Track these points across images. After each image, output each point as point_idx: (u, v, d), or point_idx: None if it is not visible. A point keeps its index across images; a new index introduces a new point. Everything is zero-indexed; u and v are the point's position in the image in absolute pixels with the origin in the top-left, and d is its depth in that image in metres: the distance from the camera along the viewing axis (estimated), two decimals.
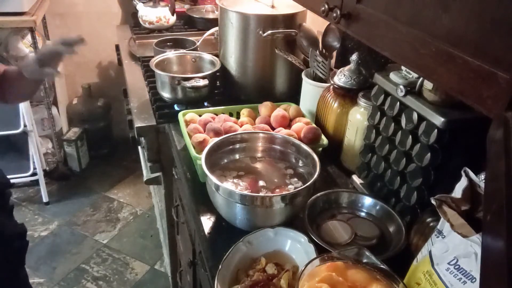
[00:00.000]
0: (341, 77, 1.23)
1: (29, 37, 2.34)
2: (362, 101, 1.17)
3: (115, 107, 3.05)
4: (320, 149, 1.22)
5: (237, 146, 1.14)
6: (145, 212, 2.70)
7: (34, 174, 2.63)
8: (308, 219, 0.98)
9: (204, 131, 1.24)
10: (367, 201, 1.06)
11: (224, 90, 1.66)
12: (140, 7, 2.30)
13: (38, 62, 1.17)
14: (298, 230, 0.94)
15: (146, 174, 1.78)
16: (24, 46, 2.44)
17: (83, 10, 2.79)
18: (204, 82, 1.47)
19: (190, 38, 1.96)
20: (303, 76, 1.41)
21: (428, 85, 0.90)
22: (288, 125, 1.30)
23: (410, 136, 0.94)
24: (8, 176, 1.36)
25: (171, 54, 1.66)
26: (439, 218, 0.72)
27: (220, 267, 0.87)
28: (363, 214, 1.06)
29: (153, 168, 1.62)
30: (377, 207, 1.05)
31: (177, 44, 1.94)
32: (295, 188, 1.03)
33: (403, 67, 0.99)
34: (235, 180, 1.05)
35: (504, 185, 0.45)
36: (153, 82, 1.63)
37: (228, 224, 1.03)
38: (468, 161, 0.80)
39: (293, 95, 1.51)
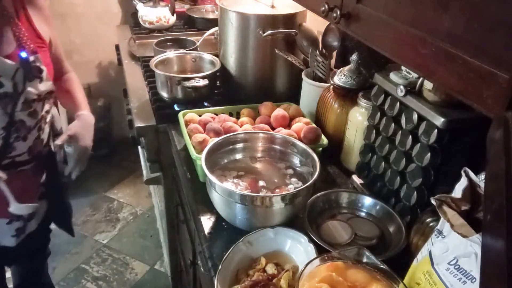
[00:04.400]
0: (341, 77, 1.23)
1: None
2: (362, 101, 1.17)
3: (115, 107, 3.05)
4: (320, 149, 1.22)
5: (237, 146, 1.14)
6: (145, 212, 2.70)
7: None
8: (308, 219, 0.98)
9: (204, 131, 1.24)
10: (367, 201, 1.07)
11: (224, 90, 1.66)
12: (140, 7, 2.30)
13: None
14: (298, 230, 0.94)
15: (146, 174, 1.78)
16: None
17: (83, 10, 2.79)
18: (204, 82, 1.47)
19: (190, 38, 1.96)
20: (303, 76, 1.41)
21: (428, 85, 0.90)
22: (288, 125, 1.30)
23: (410, 136, 0.95)
24: None
25: (171, 54, 1.66)
26: (439, 218, 0.72)
27: (220, 267, 0.87)
28: (363, 214, 1.06)
29: (153, 168, 1.62)
30: (377, 207, 1.05)
31: (177, 44, 1.94)
32: (295, 188, 1.03)
33: (403, 67, 0.99)
34: (235, 180, 1.05)
35: (504, 185, 0.45)
36: (153, 82, 1.63)
37: (228, 224, 1.03)
38: (468, 161, 0.81)
39: (293, 95, 1.51)
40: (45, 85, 1.16)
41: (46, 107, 1.22)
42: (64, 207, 1.47)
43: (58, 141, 1.23)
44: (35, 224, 1.33)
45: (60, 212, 1.45)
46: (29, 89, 1.11)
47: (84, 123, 1.29)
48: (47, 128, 1.27)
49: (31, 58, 1.11)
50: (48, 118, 1.26)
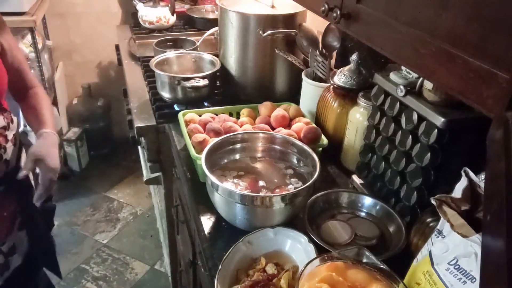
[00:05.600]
0: (341, 77, 1.23)
1: (29, 37, 2.33)
2: (362, 101, 1.17)
3: (115, 107, 3.05)
4: (320, 149, 1.22)
5: (237, 146, 1.14)
6: (145, 212, 2.70)
7: None
8: (308, 219, 0.98)
9: (204, 131, 1.24)
10: (367, 201, 1.06)
11: (224, 90, 1.66)
12: (140, 7, 2.30)
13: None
14: (298, 230, 0.94)
15: (146, 174, 1.78)
16: (24, 46, 2.44)
17: (83, 10, 2.79)
18: (204, 82, 1.47)
19: (190, 38, 1.96)
20: (303, 76, 1.41)
21: (428, 85, 0.90)
22: (288, 125, 1.30)
23: (410, 136, 0.94)
24: None
25: (171, 54, 1.66)
26: (439, 218, 0.72)
27: (220, 267, 0.87)
28: (363, 214, 1.06)
29: (153, 168, 1.62)
30: (377, 207, 1.05)
31: (177, 44, 1.94)
32: (295, 188, 1.03)
33: (403, 67, 0.99)
34: (235, 180, 1.05)
35: (504, 185, 0.45)
36: (153, 82, 1.63)
37: (228, 224, 1.03)
38: (468, 161, 0.80)
39: (293, 95, 1.51)
40: None
41: (0, 122, 1.09)
42: (44, 239, 1.29)
43: (22, 172, 1.09)
44: (20, 258, 1.20)
45: (42, 246, 1.29)
46: None
47: (48, 142, 1.15)
48: (10, 147, 1.12)
49: None
50: (10, 136, 1.12)
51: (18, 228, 1.18)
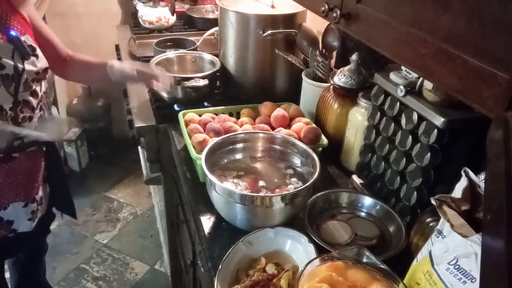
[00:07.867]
0: (341, 77, 1.23)
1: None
2: (362, 101, 1.17)
3: (115, 107, 3.05)
4: (320, 149, 1.22)
5: (237, 146, 1.14)
6: (145, 212, 2.70)
7: None
8: (308, 219, 0.98)
9: (204, 131, 1.24)
10: (367, 201, 1.07)
11: (224, 90, 1.66)
12: (140, 7, 2.30)
13: (132, 77, 1.40)
14: (298, 230, 0.94)
15: (146, 174, 1.78)
16: None
17: (83, 10, 2.79)
18: (204, 82, 1.47)
19: (190, 38, 1.96)
20: (303, 76, 1.41)
21: (428, 85, 0.90)
22: (288, 125, 1.30)
23: (410, 136, 0.95)
24: None
25: (171, 54, 1.66)
26: (439, 218, 0.72)
27: (220, 267, 0.87)
28: (363, 214, 1.06)
29: (153, 168, 1.62)
30: (377, 207, 1.05)
31: (177, 44, 1.94)
32: (295, 188, 1.03)
33: (403, 67, 0.99)
34: (235, 180, 1.05)
35: (504, 185, 0.45)
36: None
37: (228, 224, 1.03)
38: (468, 161, 0.81)
39: (293, 95, 1.51)
40: (41, 62, 1.18)
41: (43, 88, 1.25)
42: (66, 189, 1.51)
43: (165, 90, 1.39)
44: (45, 208, 1.36)
45: (62, 195, 1.49)
46: (28, 68, 1.13)
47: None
48: (45, 109, 1.31)
49: (23, 38, 1.12)
50: (45, 100, 1.29)
51: (43, 181, 1.35)
